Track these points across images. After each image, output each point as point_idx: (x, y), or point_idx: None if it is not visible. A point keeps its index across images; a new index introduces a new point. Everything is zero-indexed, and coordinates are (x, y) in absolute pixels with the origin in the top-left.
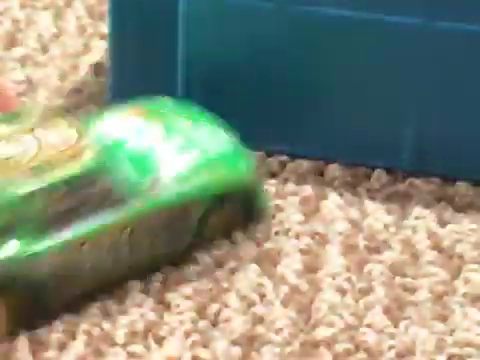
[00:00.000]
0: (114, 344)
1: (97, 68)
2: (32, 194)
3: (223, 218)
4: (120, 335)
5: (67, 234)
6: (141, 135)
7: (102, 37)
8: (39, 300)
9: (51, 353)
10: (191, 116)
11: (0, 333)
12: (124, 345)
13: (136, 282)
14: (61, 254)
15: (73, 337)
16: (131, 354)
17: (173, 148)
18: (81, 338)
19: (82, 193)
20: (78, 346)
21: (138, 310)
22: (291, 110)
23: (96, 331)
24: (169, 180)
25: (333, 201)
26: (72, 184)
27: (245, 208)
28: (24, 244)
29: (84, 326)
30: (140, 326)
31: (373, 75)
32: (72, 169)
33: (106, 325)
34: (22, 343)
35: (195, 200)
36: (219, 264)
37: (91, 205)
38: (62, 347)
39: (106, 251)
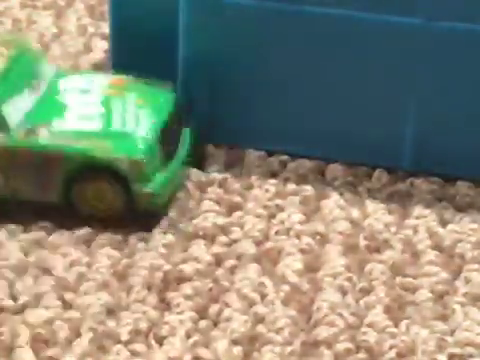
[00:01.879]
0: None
1: (98, 68)
2: None
3: (90, 191)
4: (123, 333)
5: None
6: (81, 94)
7: (103, 37)
8: None
9: (55, 350)
10: (146, 96)
11: None
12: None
13: (138, 280)
14: None
15: (78, 334)
16: (133, 352)
17: (85, 113)
18: (87, 335)
19: None
20: (82, 343)
21: (141, 308)
22: (291, 110)
23: (100, 328)
24: (49, 132)
25: (334, 201)
26: None
27: (120, 191)
28: None
29: (89, 323)
30: (143, 325)
31: (373, 75)
32: None
33: (110, 323)
34: (25, 340)
35: (59, 155)
36: (219, 263)
37: None
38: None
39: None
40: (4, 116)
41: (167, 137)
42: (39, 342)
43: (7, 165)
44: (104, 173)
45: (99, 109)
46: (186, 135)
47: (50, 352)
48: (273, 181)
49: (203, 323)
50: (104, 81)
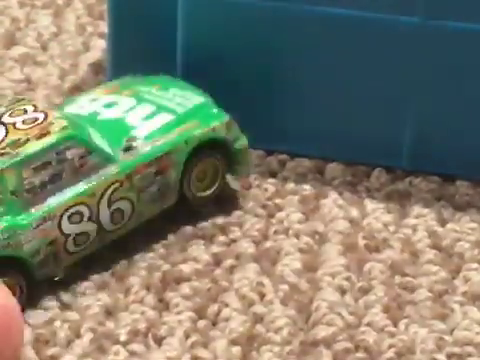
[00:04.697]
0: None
1: (96, 67)
2: (2, 172)
3: (203, 172)
4: (122, 333)
5: (46, 206)
6: (112, 108)
7: (101, 36)
8: (27, 274)
9: (55, 350)
10: (160, 84)
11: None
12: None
13: (137, 280)
14: (43, 225)
15: (78, 335)
16: (132, 352)
17: (143, 115)
18: (87, 336)
19: (54, 165)
20: (83, 344)
21: (139, 308)
22: (290, 109)
23: (100, 329)
24: (141, 141)
25: (333, 200)
26: (41, 157)
27: (224, 161)
28: (7, 219)
29: (89, 324)
30: (142, 325)
31: (373, 74)
32: (39, 144)
33: (109, 324)
34: (26, 340)
35: (170, 154)
36: (218, 263)
37: (67, 176)
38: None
39: (87, 218)
40: (102, 147)
41: None
42: (40, 342)
43: (131, 190)
44: (207, 150)
45: (144, 108)
46: None
47: (50, 352)
48: (272, 180)
49: (202, 323)
50: (101, 93)
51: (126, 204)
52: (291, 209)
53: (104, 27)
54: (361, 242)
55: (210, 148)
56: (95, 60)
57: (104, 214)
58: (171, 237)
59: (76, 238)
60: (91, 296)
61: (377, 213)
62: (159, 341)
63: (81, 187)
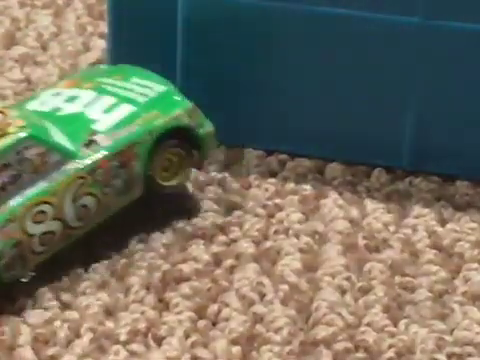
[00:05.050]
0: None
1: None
2: None
3: (169, 160)
4: (122, 333)
5: (8, 207)
6: (73, 102)
7: (101, 36)
8: None
9: (55, 349)
10: (121, 74)
11: None
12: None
13: (137, 280)
14: (6, 227)
15: (77, 335)
16: (132, 352)
17: (104, 107)
18: (87, 335)
19: (14, 166)
20: (82, 343)
21: (139, 308)
22: (290, 109)
23: (100, 329)
24: (103, 135)
25: (333, 200)
26: (0, 159)
27: (188, 148)
28: None
29: (89, 324)
30: (142, 325)
31: (373, 74)
32: None
33: (109, 323)
34: (26, 340)
35: (133, 145)
36: (218, 263)
37: (27, 175)
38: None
39: (51, 217)
40: (63, 144)
41: None
42: (39, 342)
43: (95, 185)
44: (170, 139)
45: (106, 99)
46: None
47: (50, 351)
48: (272, 180)
49: (202, 323)
50: (63, 87)
51: (91, 199)
52: (291, 209)
53: (104, 27)
54: (361, 242)
55: (174, 136)
56: (95, 60)
57: (69, 211)
58: (171, 237)
59: (41, 238)
60: (91, 296)
61: (377, 213)
62: (159, 341)
63: (43, 186)
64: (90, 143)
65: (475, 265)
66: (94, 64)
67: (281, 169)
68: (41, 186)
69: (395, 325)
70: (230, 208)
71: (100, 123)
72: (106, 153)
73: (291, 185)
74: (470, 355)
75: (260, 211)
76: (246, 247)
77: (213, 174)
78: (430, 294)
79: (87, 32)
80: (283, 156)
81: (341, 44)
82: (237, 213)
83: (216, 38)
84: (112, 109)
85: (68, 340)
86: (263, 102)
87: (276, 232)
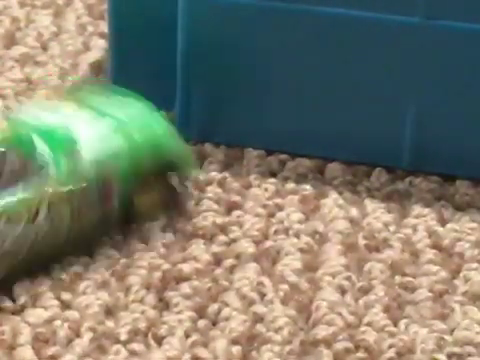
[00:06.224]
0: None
1: (97, 67)
2: None
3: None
4: (122, 333)
5: None
6: (55, 114)
7: (102, 36)
8: None
9: (55, 349)
10: (105, 93)
11: None
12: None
13: (137, 279)
14: None
15: (77, 334)
16: (132, 352)
17: (84, 120)
18: (87, 335)
19: None
20: (83, 343)
21: (139, 308)
22: (290, 109)
23: (100, 328)
24: (83, 148)
25: (333, 200)
26: None
27: (164, 169)
28: None
29: (89, 323)
30: (142, 325)
31: (372, 74)
32: None
33: (109, 323)
34: (26, 339)
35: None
36: (218, 262)
37: (4, 181)
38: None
39: (24, 225)
40: (43, 154)
41: None
42: (39, 341)
43: (70, 203)
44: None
45: (86, 115)
46: None
47: (50, 351)
48: (272, 180)
49: (202, 323)
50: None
51: (66, 209)
52: (291, 209)
53: (104, 27)
54: (361, 242)
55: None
56: (95, 60)
57: (43, 220)
58: (171, 237)
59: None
60: (91, 295)
61: (377, 213)
62: (159, 340)
63: (20, 193)
64: (70, 154)
65: (475, 265)
66: (94, 64)
67: (281, 169)
68: (18, 193)
69: (395, 325)
70: (230, 208)
71: (81, 136)
72: (85, 166)
73: (291, 185)
74: (470, 355)
75: (260, 211)
76: (246, 247)
77: (213, 174)
78: (430, 294)
79: (87, 32)
80: (283, 156)
81: (341, 44)
82: (237, 213)
83: (216, 38)
84: (93, 122)
85: (68, 339)
86: (263, 102)
87: (276, 232)
